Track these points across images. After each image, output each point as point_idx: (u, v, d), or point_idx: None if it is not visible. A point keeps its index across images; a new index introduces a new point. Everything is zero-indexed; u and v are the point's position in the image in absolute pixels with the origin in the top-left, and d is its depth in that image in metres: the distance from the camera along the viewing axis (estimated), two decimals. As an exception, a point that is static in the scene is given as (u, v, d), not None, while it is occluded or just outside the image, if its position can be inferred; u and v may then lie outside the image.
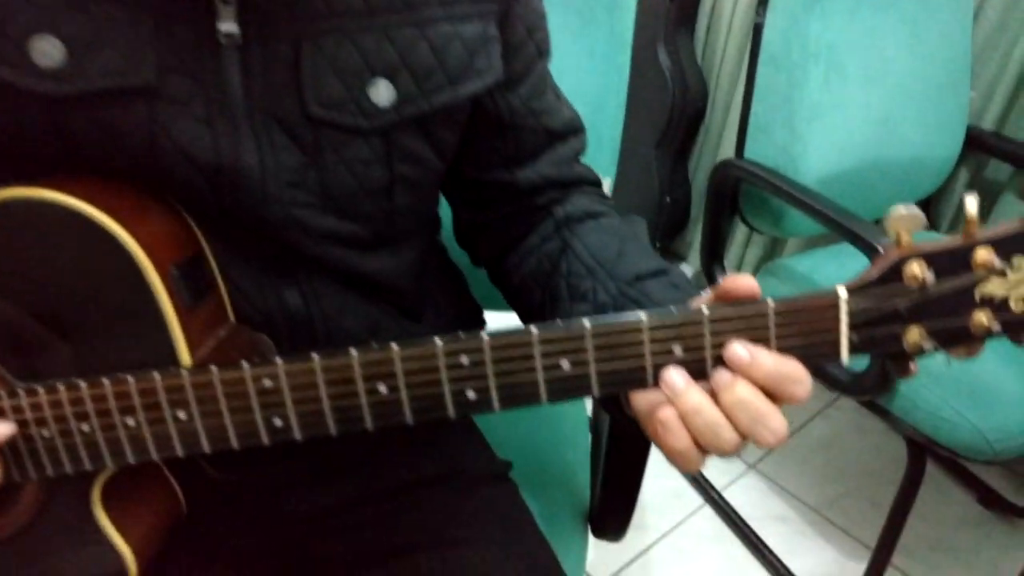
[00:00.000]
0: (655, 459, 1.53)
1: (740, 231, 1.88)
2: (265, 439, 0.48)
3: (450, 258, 0.78)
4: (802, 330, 0.44)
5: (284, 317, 0.56)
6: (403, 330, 0.64)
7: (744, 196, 1.28)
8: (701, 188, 2.01)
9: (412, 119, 0.56)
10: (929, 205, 1.53)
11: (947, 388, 1.10)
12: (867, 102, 1.25)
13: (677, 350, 0.44)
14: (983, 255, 0.43)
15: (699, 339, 0.44)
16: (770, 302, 0.43)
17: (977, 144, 1.44)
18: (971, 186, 1.51)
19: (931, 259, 0.43)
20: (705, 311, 0.44)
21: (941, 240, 0.44)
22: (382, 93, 0.54)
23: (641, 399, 0.48)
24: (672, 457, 0.45)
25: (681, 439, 0.44)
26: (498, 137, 0.64)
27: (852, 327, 0.44)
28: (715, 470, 1.58)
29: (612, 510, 0.85)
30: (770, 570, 1.38)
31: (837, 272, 1.27)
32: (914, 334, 0.45)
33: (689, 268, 2.17)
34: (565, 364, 0.45)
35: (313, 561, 0.66)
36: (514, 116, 0.63)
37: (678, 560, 1.39)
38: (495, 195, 0.67)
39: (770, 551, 1.41)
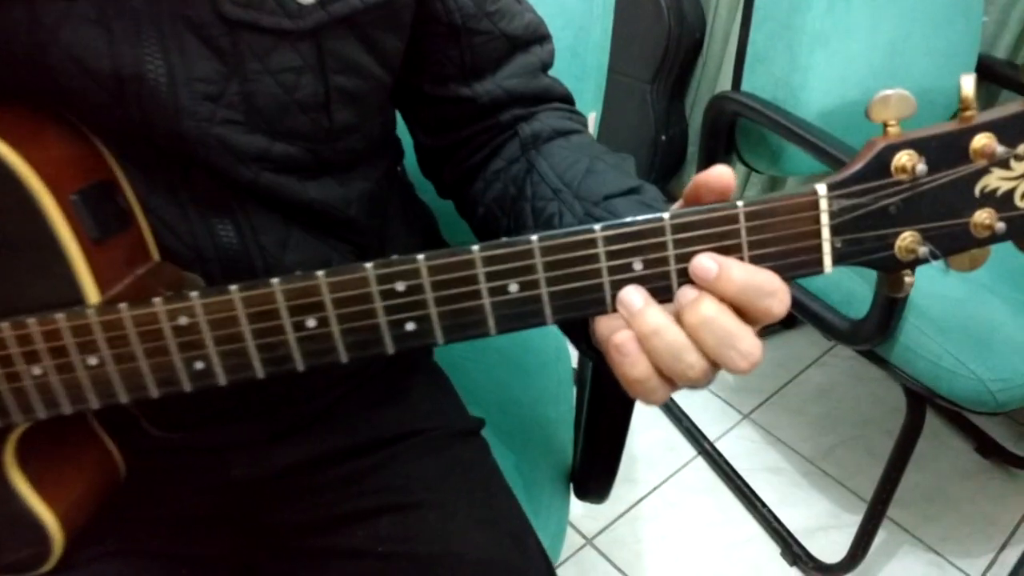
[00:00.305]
0: (646, 410, 1.49)
1: (738, 170, 1.82)
2: (186, 385, 0.43)
3: (417, 195, 0.72)
4: (778, 236, 0.39)
5: (217, 253, 0.51)
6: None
7: (741, 132, 1.21)
8: (698, 126, 1.93)
9: (343, 18, 0.50)
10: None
11: (948, 336, 1.05)
12: (873, 28, 1.18)
13: (637, 265, 0.39)
14: (982, 142, 0.38)
15: (661, 250, 0.39)
16: (740, 204, 0.38)
17: (989, 74, 1.36)
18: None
19: (922, 148, 0.38)
20: (665, 216, 0.38)
21: (929, 127, 0.39)
22: None
23: (604, 326, 0.43)
24: (631, 387, 0.40)
25: (640, 366, 0.39)
26: (451, 44, 0.58)
27: (834, 231, 0.39)
28: (708, 420, 1.54)
29: (595, 471, 0.80)
30: (763, 523, 1.35)
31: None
32: (907, 239, 0.40)
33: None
34: (513, 287, 0.40)
35: (264, 528, 0.61)
36: (466, 19, 0.57)
37: (669, 514, 1.36)
38: (454, 114, 0.61)
39: (763, 503, 1.37)
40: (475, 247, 0.39)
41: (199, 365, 0.43)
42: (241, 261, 0.52)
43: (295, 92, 0.50)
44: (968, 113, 0.38)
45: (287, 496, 0.61)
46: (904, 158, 0.38)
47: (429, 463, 0.64)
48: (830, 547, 1.25)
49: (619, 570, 1.23)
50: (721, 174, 0.38)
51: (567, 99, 0.64)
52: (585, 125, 0.62)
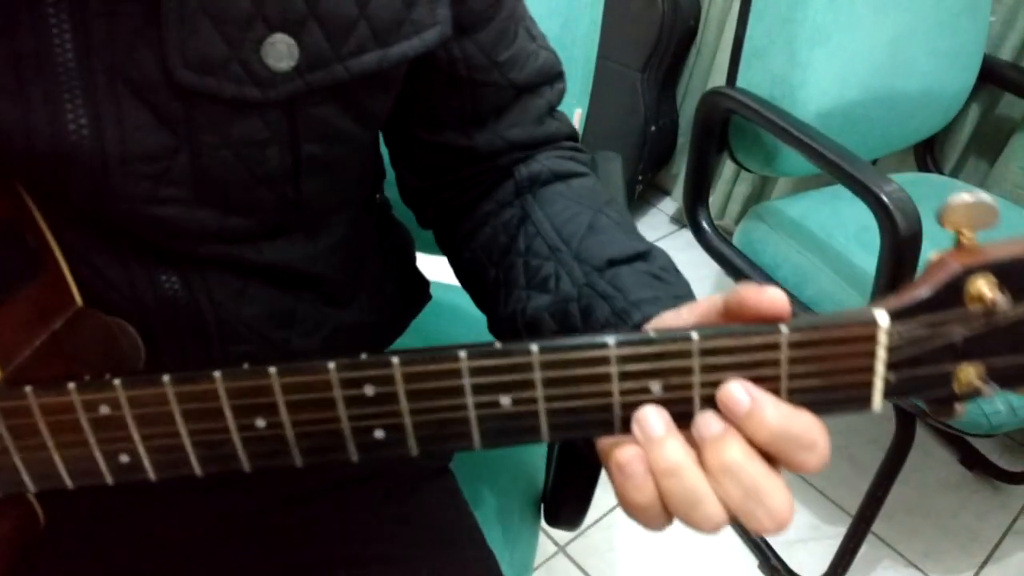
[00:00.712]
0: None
1: (728, 167, 1.75)
2: (109, 478, 0.36)
3: (394, 218, 0.64)
4: (823, 368, 0.33)
5: (159, 305, 0.44)
6: (326, 319, 0.52)
7: (734, 129, 1.14)
8: (689, 116, 1.86)
9: (325, 89, 0.42)
10: (933, 144, 1.41)
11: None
12: (876, 24, 1.12)
13: (655, 387, 0.33)
14: (1078, 274, 0.32)
15: (685, 375, 0.33)
16: (784, 331, 0.32)
17: (992, 76, 1.30)
18: (982, 123, 1.39)
19: (1003, 272, 0.32)
20: (695, 337, 0.32)
21: (1010, 242, 0.33)
22: (281, 54, 0.40)
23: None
24: (630, 511, 0.33)
25: (645, 492, 0.32)
26: (451, 94, 0.50)
27: (890, 366, 0.33)
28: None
29: (567, 500, 0.75)
30: (740, 534, 1.31)
31: (832, 219, 1.16)
32: (968, 373, 0.34)
33: (673, 203, 2.05)
34: (505, 400, 0.33)
35: None
36: (472, 71, 0.49)
37: (643, 523, 1.31)
38: (446, 160, 0.53)
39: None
40: (462, 353, 0.32)
41: (124, 459, 0.36)
42: (188, 313, 0.45)
43: (258, 167, 0.42)
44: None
45: (226, 548, 0.55)
46: (982, 286, 0.32)
47: (390, 511, 0.58)
48: (809, 560, 1.22)
49: None
50: (773, 299, 0.32)
51: (572, 137, 0.56)
52: (588, 164, 0.54)
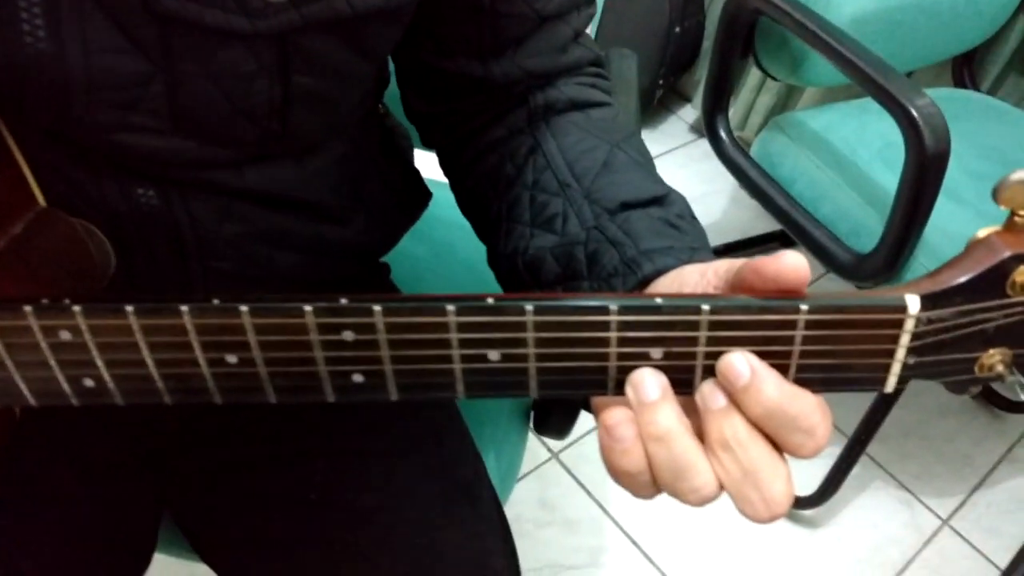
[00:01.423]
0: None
1: (752, 75, 1.66)
2: (74, 400, 0.35)
3: (392, 131, 0.59)
4: (839, 349, 0.30)
5: (134, 215, 0.41)
6: (319, 237, 0.49)
7: (761, 33, 1.07)
8: (716, 18, 1.74)
9: (323, 22, 0.37)
10: (972, 59, 1.33)
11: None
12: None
13: (655, 354, 0.31)
14: None
15: (689, 345, 0.30)
16: (804, 308, 0.29)
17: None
18: (1026, 40, 1.30)
19: (1053, 260, 0.29)
20: (705, 308, 0.29)
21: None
22: None
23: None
24: (617, 477, 0.32)
25: (633, 457, 0.31)
26: (469, 24, 0.45)
27: (913, 351, 0.30)
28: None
29: (556, 408, 0.75)
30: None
31: (857, 134, 1.10)
32: (993, 358, 0.31)
33: (693, 111, 1.95)
34: (494, 355, 0.31)
35: (180, 468, 0.55)
36: (496, 1, 0.44)
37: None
38: (457, 86, 0.48)
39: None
40: (450, 307, 0.30)
41: (89, 383, 0.34)
42: (164, 227, 0.41)
43: (242, 100, 0.38)
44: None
45: (203, 435, 0.55)
46: (1028, 275, 0.29)
47: (375, 406, 0.57)
48: (802, 479, 1.21)
49: (581, 486, 1.20)
50: (796, 267, 0.29)
51: (596, 62, 0.51)
52: (610, 92, 0.49)
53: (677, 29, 1.69)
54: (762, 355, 0.30)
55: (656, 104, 1.90)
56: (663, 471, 0.30)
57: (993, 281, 0.29)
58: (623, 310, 0.29)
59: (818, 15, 0.98)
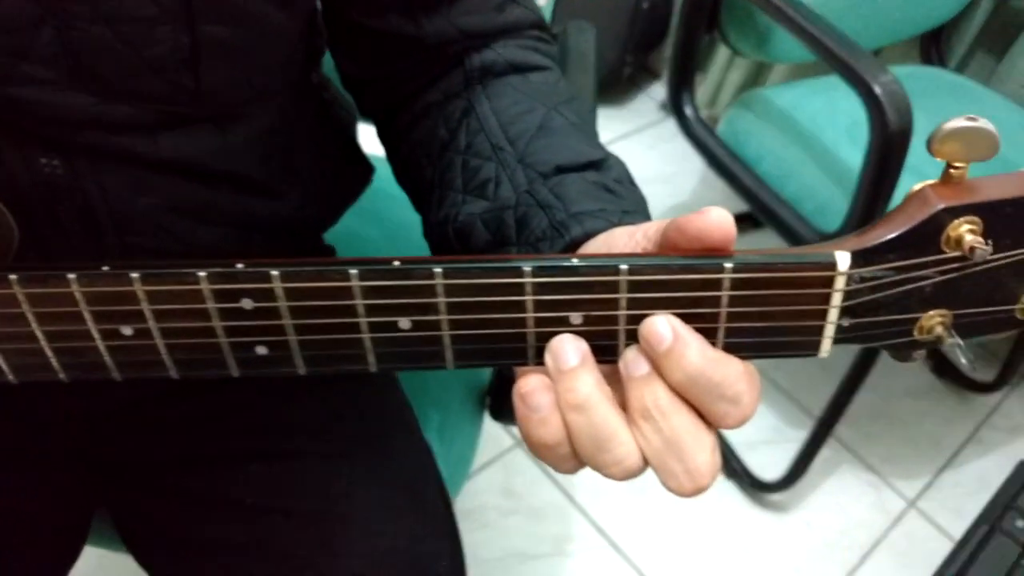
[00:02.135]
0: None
1: (722, 52, 1.64)
2: (-37, 379, 0.32)
3: (331, 103, 0.56)
4: (768, 310, 0.28)
5: (37, 186, 0.38)
6: (246, 211, 0.46)
7: (726, 7, 1.05)
8: None
9: None
10: (940, 36, 1.32)
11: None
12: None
13: (575, 319, 0.29)
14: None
15: (610, 308, 0.28)
16: (728, 266, 0.27)
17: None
18: (993, 16, 1.29)
19: (989, 215, 0.27)
20: (623, 268, 0.27)
21: (1002, 179, 0.28)
22: None
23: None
24: (536, 450, 0.30)
25: (551, 428, 0.29)
26: None
27: (846, 312, 0.29)
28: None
29: (511, 394, 0.73)
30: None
31: (823, 110, 1.09)
32: (932, 320, 0.30)
33: (663, 89, 1.93)
34: (405, 323, 0.29)
35: (108, 465, 0.53)
36: None
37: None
38: (389, 48, 0.46)
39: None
40: (353, 271, 0.28)
41: (-22, 359, 0.32)
42: (73, 199, 0.39)
43: (145, 49, 0.35)
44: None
45: (134, 431, 0.52)
46: (964, 230, 0.27)
47: (316, 406, 0.55)
48: (769, 462, 1.21)
49: (546, 474, 1.18)
50: (720, 223, 0.27)
51: (537, 25, 0.48)
52: (553, 57, 0.47)
53: (645, 4, 1.66)
54: (688, 319, 0.28)
55: (625, 81, 1.88)
56: (583, 442, 0.29)
57: (927, 236, 0.27)
58: (537, 271, 0.28)
59: (783, -11, 0.97)
